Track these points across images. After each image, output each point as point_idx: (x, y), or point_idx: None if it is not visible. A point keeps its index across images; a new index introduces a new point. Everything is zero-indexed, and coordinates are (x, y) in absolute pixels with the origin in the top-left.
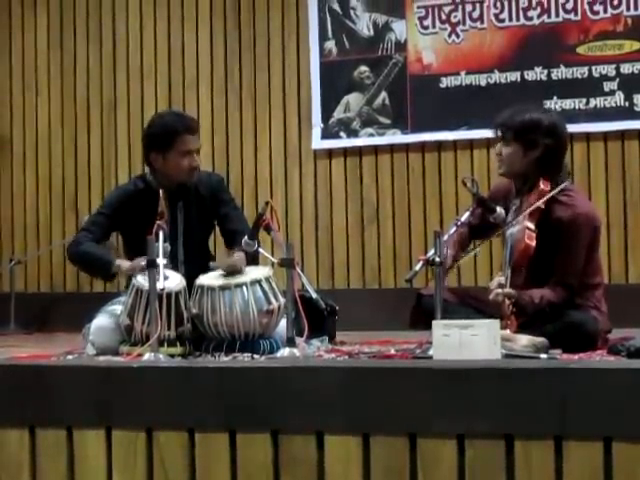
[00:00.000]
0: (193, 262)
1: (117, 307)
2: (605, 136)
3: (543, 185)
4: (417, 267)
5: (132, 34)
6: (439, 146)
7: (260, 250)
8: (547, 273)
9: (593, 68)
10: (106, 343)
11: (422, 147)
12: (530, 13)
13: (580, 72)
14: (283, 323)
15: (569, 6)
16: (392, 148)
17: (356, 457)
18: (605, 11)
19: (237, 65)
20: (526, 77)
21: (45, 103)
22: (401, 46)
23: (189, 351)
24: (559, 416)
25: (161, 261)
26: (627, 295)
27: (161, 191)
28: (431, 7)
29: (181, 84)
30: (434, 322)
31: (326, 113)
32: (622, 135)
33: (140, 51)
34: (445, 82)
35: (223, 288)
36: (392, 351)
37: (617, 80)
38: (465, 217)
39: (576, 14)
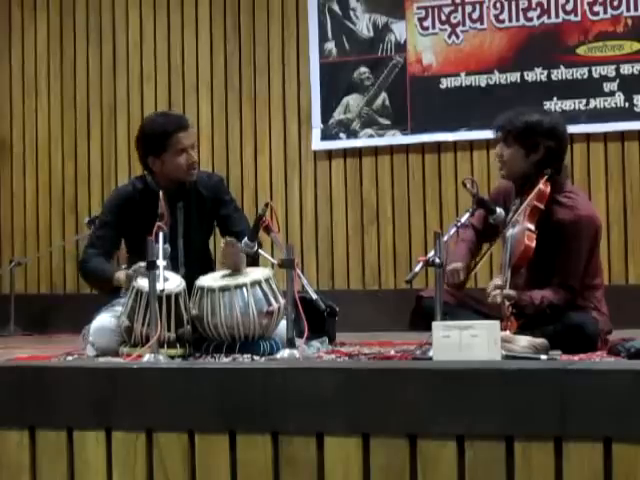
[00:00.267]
0: (193, 263)
1: (117, 308)
2: (605, 137)
3: (542, 185)
4: (417, 268)
5: (132, 39)
6: (439, 147)
7: (260, 251)
8: (547, 274)
9: (593, 69)
10: (106, 344)
11: (422, 148)
12: (530, 14)
13: (580, 73)
14: (283, 324)
15: (569, 7)
16: (392, 149)
17: (356, 458)
18: (605, 12)
19: (237, 67)
20: (526, 78)
21: (45, 107)
22: (401, 47)
23: (189, 352)
24: (559, 417)
25: (161, 263)
26: (627, 296)
27: (161, 192)
28: (431, 8)
29: (181, 87)
30: (434, 323)
31: (326, 114)
32: (622, 136)
33: (140, 55)
34: (445, 83)
35: (223, 289)
36: (392, 352)
37: (617, 81)
38: (465, 218)
39: (576, 15)
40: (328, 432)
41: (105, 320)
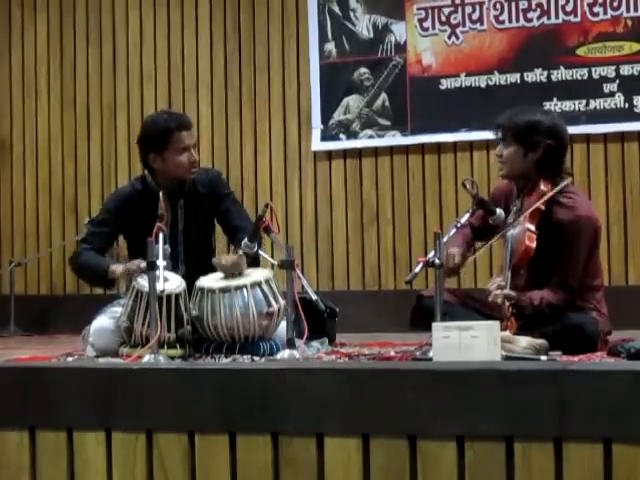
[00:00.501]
0: (194, 262)
1: (117, 309)
2: (605, 137)
3: (543, 186)
4: (417, 269)
5: (132, 39)
6: (439, 148)
7: (260, 252)
8: (547, 274)
9: (593, 69)
10: (106, 345)
11: (422, 149)
12: (530, 15)
13: (580, 74)
14: (283, 325)
15: (569, 8)
16: (392, 150)
17: (356, 459)
18: (605, 12)
19: (237, 68)
20: (526, 79)
21: (45, 107)
22: (401, 48)
23: (189, 353)
24: (559, 418)
25: (161, 263)
26: (627, 297)
27: (161, 193)
28: (431, 9)
29: (181, 88)
30: (434, 324)
31: (326, 115)
32: (622, 136)
33: (140, 55)
34: (445, 84)
35: (223, 290)
36: (392, 353)
37: (617, 82)
38: (465, 219)
39: (576, 16)
40: (328, 433)
41: (105, 321)
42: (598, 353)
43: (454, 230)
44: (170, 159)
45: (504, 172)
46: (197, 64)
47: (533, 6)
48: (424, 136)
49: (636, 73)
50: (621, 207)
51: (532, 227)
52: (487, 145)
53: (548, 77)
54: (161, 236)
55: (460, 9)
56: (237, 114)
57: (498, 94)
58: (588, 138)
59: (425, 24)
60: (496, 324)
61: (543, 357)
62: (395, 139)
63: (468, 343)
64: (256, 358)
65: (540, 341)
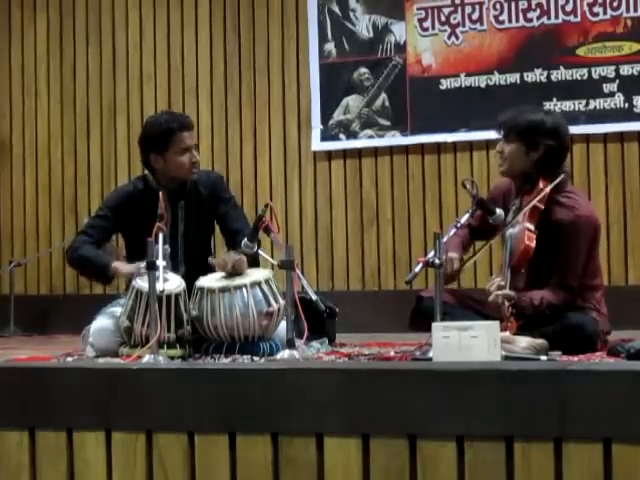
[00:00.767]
0: (193, 262)
1: (117, 309)
2: (605, 138)
3: (542, 185)
4: (417, 269)
5: (131, 39)
6: (439, 148)
7: (260, 252)
8: (547, 274)
9: (593, 70)
10: (106, 345)
11: (422, 149)
12: (530, 15)
13: (580, 74)
14: (283, 325)
15: (569, 8)
16: (392, 150)
17: (356, 459)
18: (605, 13)
19: (237, 68)
20: (526, 79)
21: (45, 108)
22: (401, 48)
23: (189, 353)
24: (559, 418)
25: (161, 263)
26: (627, 297)
27: (161, 193)
28: (431, 9)
29: (181, 88)
30: (434, 324)
31: (325, 115)
32: (622, 137)
33: (140, 56)
34: (445, 84)
35: (223, 290)
36: (392, 353)
37: (617, 82)
38: (465, 219)
39: (576, 16)
40: (328, 433)
41: (105, 321)
42: (598, 353)
43: (454, 230)
44: (171, 159)
45: (504, 168)
46: (197, 65)
47: (533, 6)
48: (424, 136)
49: (636, 73)
50: (621, 207)
51: (531, 227)
52: (487, 145)
53: (548, 77)
54: (161, 236)
55: (460, 9)
56: (237, 114)
57: (498, 94)
58: (588, 138)
59: (425, 24)
60: (496, 324)
61: (543, 357)
62: (395, 139)
63: (468, 343)
64: (256, 358)
65: (540, 341)
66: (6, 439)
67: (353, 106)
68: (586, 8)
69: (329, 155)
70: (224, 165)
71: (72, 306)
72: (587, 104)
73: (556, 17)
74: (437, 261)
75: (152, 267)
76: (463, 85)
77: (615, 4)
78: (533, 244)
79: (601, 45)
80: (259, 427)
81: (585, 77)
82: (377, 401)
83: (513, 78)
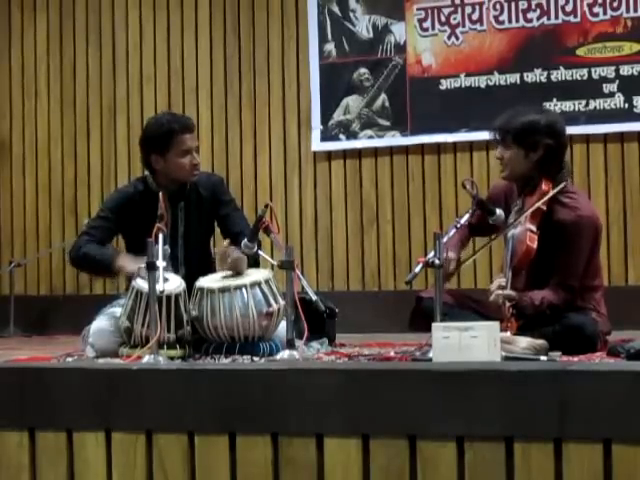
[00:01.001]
0: (193, 263)
1: (117, 309)
2: (605, 138)
3: (545, 186)
4: (417, 269)
5: (132, 40)
6: (439, 148)
7: (260, 252)
8: (548, 275)
9: (593, 70)
10: (105, 345)
11: (421, 149)
12: (530, 15)
13: (580, 74)
14: (283, 325)
15: (569, 8)
16: (391, 150)
17: (356, 459)
18: (605, 13)
19: (237, 68)
20: (526, 79)
21: (45, 108)
22: (400, 48)
23: (189, 353)
24: (559, 418)
25: (161, 263)
26: (627, 297)
27: (161, 193)
28: (430, 9)
29: (180, 89)
30: (434, 324)
31: (325, 115)
32: (622, 137)
33: (140, 57)
34: (445, 84)
35: (223, 290)
36: (392, 353)
37: (617, 82)
38: (465, 219)
39: (575, 16)
40: (328, 433)
41: (105, 321)
42: (598, 353)
43: (454, 231)
44: (172, 161)
45: (506, 174)
46: (197, 65)
47: (533, 6)
48: (424, 136)
49: (636, 73)
50: (621, 207)
51: (533, 227)
52: (487, 145)
53: (548, 77)
54: (161, 236)
55: (460, 9)
56: (237, 115)
57: (498, 94)
58: (588, 138)
59: (425, 24)
60: (496, 324)
61: (543, 357)
62: (395, 139)
63: (468, 343)
64: (256, 358)
65: (540, 341)
66: (6, 439)
67: (353, 106)
68: (586, 8)
69: (329, 155)
70: (224, 165)
71: (72, 306)
72: (587, 104)
73: (556, 17)
74: (437, 261)
75: (152, 267)
76: (463, 85)
77: (615, 4)
78: (535, 245)
79: (601, 45)
80: (259, 427)
81: (585, 77)
82: (377, 401)
83: (513, 78)
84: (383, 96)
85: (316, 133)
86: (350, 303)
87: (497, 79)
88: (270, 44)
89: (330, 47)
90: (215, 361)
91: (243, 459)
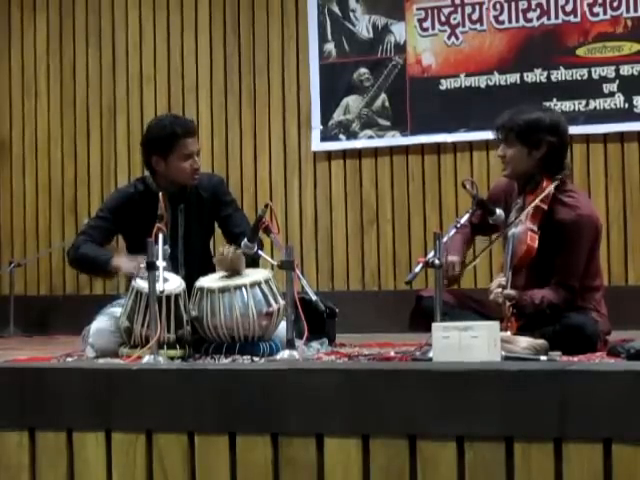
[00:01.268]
0: (193, 264)
1: (116, 309)
2: (605, 138)
3: (546, 184)
4: (417, 269)
5: (131, 39)
6: (438, 148)
7: (260, 252)
8: (548, 274)
9: (593, 70)
10: (105, 345)
11: (421, 149)
12: (530, 15)
13: (580, 74)
14: (283, 325)
15: (569, 8)
16: (391, 150)
17: (356, 459)
18: (605, 13)
19: (236, 68)
20: (526, 79)
21: (45, 108)
22: (400, 48)
23: (189, 353)
24: (559, 418)
25: (160, 263)
26: (627, 297)
27: (161, 194)
28: (430, 9)
29: (180, 89)
30: (434, 324)
31: (325, 115)
32: (622, 137)
33: (139, 57)
34: (445, 84)
35: (223, 290)
36: (392, 353)
37: (617, 82)
38: (465, 219)
39: (575, 16)
40: (328, 433)
41: (105, 321)
42: (598, 353)
43: (454, 230)
44: (173, 164)
45: (508, 172)
46: (197, 65)
47: (533, 6)
48: (424, 136)
49: (636, 73)
50: (621, 207)
51: (534, 227)
52: (487, 145)
53: (548, 77)
54: (161, 236)
55: (460, 9)
56: (237, 115)
57: (498, 94)
58: (588, 138)
59: (425, 24)
60: (496, 324)
61: (543, 357)
62: (395, 139)
63: (468, 343)
64: (256, 358)
65: (540, 341)
66: (6, 439)
67: (353, 106)
68: (586, 8)
69: (329, 155)
70: (224, 166)
71: (72, 306)
72: (587, 104)
73: (556, 17)
74: (437, 261)
75: (152, 267)
76: (463, 85)
77: (615, 4)
78: (535, 245)
79: (601, 45)
80: (259, 427)
81: (585, 77)
82: (377, 401)
83: (513, 78)
84: (383, 96)
85: (316, 133)
86: (350, 303)
87: (497, 79)
88: (270, 44)
89: (330, 47)
90: (215, 361)
91: (243, 459)
